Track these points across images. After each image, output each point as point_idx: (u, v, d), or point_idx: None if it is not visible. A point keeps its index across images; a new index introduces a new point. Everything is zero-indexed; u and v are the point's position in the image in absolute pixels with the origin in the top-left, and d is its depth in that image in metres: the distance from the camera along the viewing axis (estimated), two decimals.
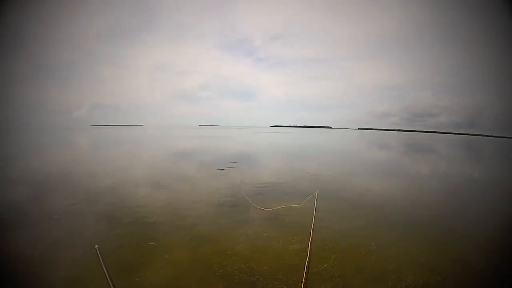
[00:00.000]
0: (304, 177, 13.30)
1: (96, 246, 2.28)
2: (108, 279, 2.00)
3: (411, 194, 10.75)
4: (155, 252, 5.62)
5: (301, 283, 2.08)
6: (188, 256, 5.44)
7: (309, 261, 2.30)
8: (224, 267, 5.09)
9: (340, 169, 16.30)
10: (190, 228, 6.84)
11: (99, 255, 2.15)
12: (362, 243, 6.16)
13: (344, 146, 38.63)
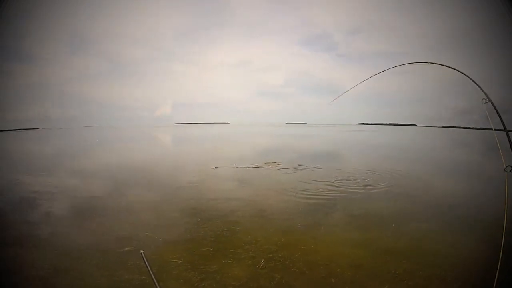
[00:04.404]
0: None
1: (142, 251, 2.27)
2: (155, 282, 2.05)
3: None
4: None
5: None
6: None
7: None
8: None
9: None
10: None
11: (145, 259, 2.18)
12: None
13: None
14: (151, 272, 2.16)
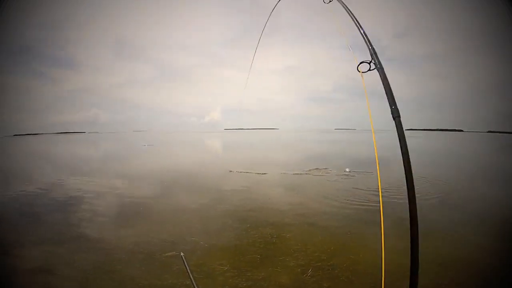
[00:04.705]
0: None
1: (182, 254, 2.37)
2: (194, 286, 2.11)
3: None
4: None
5: None
6: None
7: None
8: None
9: None
10: None
11: (185, 263, 2.25)
12: None
13: None
14: (190, 276, 2.20)
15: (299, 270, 4.85)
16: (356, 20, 1.96)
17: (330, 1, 2.15)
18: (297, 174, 14.77)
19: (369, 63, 1.72)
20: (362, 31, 1.88)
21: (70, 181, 13.95)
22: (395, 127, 1.62)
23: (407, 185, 1.52)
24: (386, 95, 1.65)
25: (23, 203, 9.84)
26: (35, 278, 4.81)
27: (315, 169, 16.15)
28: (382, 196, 9.67)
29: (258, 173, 15.13)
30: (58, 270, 5.03)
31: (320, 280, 4.50)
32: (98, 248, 5.88)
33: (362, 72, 1.74)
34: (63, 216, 8.27)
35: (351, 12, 2.02)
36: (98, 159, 27.76)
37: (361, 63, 1.74)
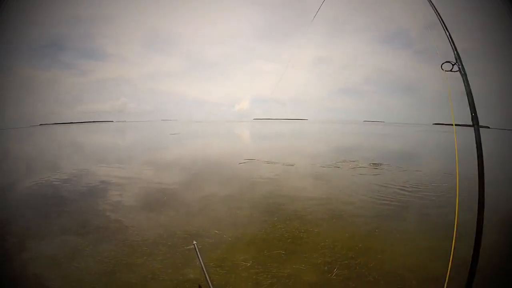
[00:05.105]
0: None
1: (194, 243, 2.42)
2: (205, 274, 2.15)
3: None
4: None
5: None
6: None
7: None
8: None
9: None
10: None
11: (197, 251, 2.32)
12: None
13: None
14: (202, 264, 2.26)
15: (325, 268, 4.69)
16: (443, 21, 1.96)
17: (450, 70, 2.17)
18: (326, 166, 14.41)
19: (453, 65, 1.74)
20: (447, 34, 1.87)
21: (94, 168, 14.12)
22: (474, 132, 1.71)
23: (479, 191, 1.72)
24: (468, 101, 1.70)
25: (47, 190, 10.06)
26: (56, 266, 4.81)
27: (344, 161, 15.74)
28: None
29: (285, 164, 14.90)
30: (79, 260, 5.02)
31: (346, 279, 4.35)
32: (118, 240, 5.85)
33: (446, 71, 1.75)
34: (85, 205, 8.27)
35: (439, 15, 2.03)
36: (125, 148, 28.34)
37: (445, 62, 1.73)
